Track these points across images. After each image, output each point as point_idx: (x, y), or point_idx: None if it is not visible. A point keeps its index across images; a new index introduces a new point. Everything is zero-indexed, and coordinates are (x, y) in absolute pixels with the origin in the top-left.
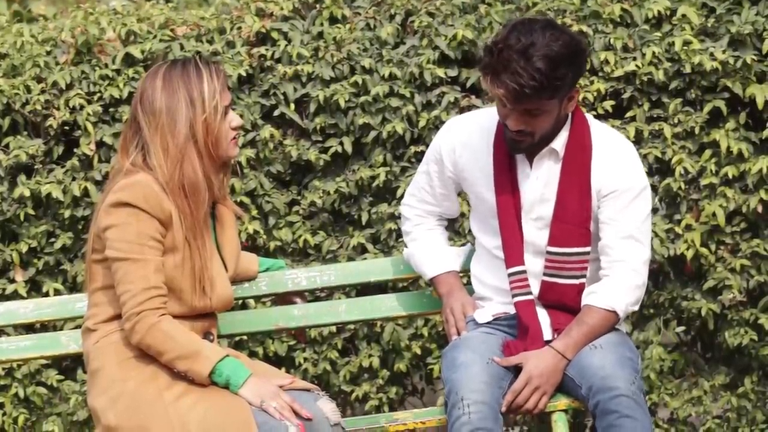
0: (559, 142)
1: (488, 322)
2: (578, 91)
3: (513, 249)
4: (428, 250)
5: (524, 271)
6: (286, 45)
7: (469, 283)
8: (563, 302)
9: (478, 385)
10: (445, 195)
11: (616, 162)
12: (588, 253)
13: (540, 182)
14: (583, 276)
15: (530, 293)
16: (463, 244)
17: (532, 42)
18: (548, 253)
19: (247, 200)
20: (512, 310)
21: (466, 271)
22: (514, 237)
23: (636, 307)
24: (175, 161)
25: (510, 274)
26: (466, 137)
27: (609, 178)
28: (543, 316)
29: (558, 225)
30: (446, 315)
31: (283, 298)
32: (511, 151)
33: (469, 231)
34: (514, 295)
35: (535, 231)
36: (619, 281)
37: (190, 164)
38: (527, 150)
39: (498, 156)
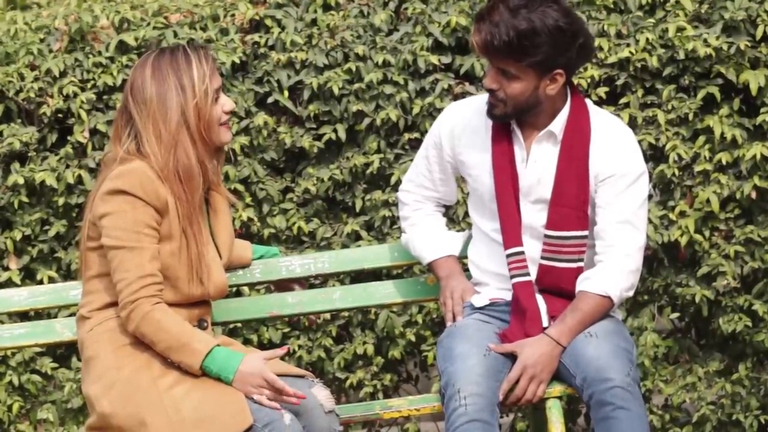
0: (558, 125)
1: (485, 307)
2: (562, 75)
3: (511, 230)
4: (427, 235)
5: (522, 252)
6: (280, 32)
7: (467, 269)
8: (561, 286)
9: (475, 378)
10: (444, 180)
11: (615, 147)
12: (586, 237)
13: (538, 165)
14: (581, 260)
15: (528, 274)
16: (461, 230)
17: (527, 3)
18: (546, 236)
19: (241, 187)
20: (509, 297)
21: (465, 257)
22: (512, 219)
23: (630, 293)
24: (169, 147)
25: (508, 255)
26: (466, 120)
27: (607, 163)
28: (540, 302)
29: (556, 208)
30: (444, 298)
31: (281, 285)
32: (488, 115)
33: (463, 218)
34: (512, 276)
35: (534, 214)
36: (613, 266)
37: (184, 150)
38: (502, 119)
39: (497, 139)
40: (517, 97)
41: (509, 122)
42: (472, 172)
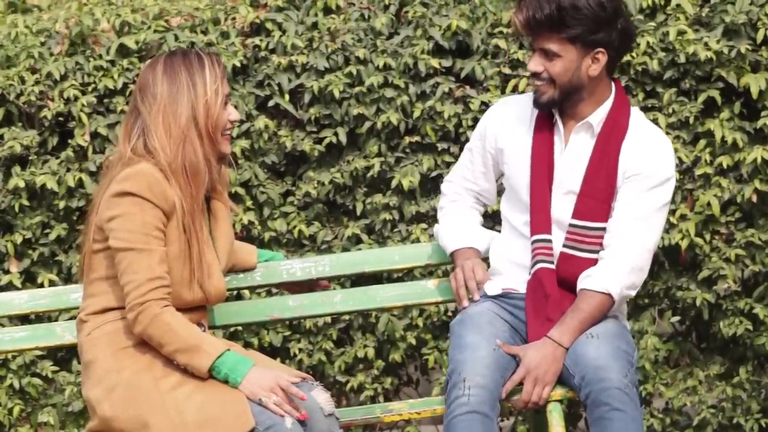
0: (597, 118)
1: (497, 296)
2: (603, 54)
3: (540, 218)
4: (456, 226)
5: (550, 240)
6: (281, 35)
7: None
8: (577, 276)
9: (481, 369)
10: (484, 173)
11: (647, 147)
12: None
13: (573, 155)
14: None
15: (553, 262)
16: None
17: None
18: (570, 225)
19: (241, 191)
20: (522, 288)
21: (487, 258)
22: (543, 207)
23: (632, 292)
24: (178, 142)
25: (535, 241)
26: (512, 111)
27: (636, 161)
28: None
29: (583, 198)
30: (455, 273)
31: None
32: (534, 106)
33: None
34: (537, 262)
35: (563, 206)
36: (615, 263)
37: (191, 146)
38: (550, 104)
39: (539, 128)
40: (561, 76)
41: (553, 115)
42: (509, 161)
